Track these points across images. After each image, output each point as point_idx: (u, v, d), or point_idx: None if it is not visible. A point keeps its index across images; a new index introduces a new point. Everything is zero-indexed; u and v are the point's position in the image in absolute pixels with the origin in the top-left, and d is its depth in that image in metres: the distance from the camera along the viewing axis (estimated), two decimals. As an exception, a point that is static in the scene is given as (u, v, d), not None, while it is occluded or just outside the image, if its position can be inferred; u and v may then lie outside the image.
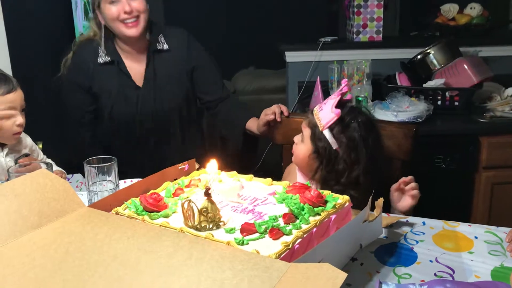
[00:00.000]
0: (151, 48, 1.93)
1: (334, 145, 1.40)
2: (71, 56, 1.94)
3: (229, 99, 2.09)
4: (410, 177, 1.39)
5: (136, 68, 1.93)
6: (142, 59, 1.94)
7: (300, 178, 1.54)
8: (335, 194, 1.16)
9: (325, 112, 1.41)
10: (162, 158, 1.95)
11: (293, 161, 1.55)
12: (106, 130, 1.99)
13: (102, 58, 1.89)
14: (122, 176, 1.44)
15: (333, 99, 1.41)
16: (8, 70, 2.30)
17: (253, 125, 1.93)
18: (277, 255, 0.91)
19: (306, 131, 1.47)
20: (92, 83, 1.91)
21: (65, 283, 0.87)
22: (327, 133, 1.40)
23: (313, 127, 1.44)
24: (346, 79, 1.52)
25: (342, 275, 0.78)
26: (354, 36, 2.73)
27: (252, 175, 1.32)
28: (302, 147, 1.48)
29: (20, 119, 1.55)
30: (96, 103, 1.95)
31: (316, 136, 1.43)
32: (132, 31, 1.84)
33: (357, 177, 1.39)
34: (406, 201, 1.39)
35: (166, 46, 1.95)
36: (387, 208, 1.38)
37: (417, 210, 1.41)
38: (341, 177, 1.40)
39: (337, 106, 1.38)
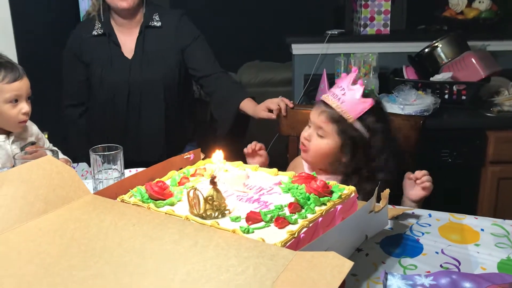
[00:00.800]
0: (144, 24, 2.01)
1: (366, 134, 1.41)
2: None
3: (225, 78, 2.10)
4: (424, 172, 1.39)
5: (127, 40, 2.02)
6: (134, 33, 2.02)
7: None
8: (341, 184, 1.16)
9: (351, 103, 1.39)
10: (144, 133, 2.05)
11: (307, 158, 1.50)
12: (96, 103, 2.07)
13: (97, 31, 2.01)
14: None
15: (354, 89, 1.41)
16: (14, 58, 2.31)
17: (248, 106, 1.95)
18: (282, 243, 0.91)
19: (329, 127, 1.42)
20: (85, 53, 2.02)
21: (71, 268, 0.87)
22: (357, 124, 1.40)
23: (337, 121, 1.41)
24: (357, 68, 1.51)
25: (349, 264, 0.78)
26: (361, 29, 2.72)
27: (257, 165, 1.32)
28: (323, 142, 1.43)
29: (26, 107, 1.55)
30: (88, 73, 2.04)
31: (346, 129, 1.41)
32: (123, 3, 1.92)
33: (387, 160, 1.41)
34: (416, 191, 1.38)
35: (158, 24, 2.03)
36: (395, 200, 1.38)
37: (424, 203, 1.41)
38: (371, 162, 1.41)
39: None
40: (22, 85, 1.54)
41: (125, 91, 2.00)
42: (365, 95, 1.41)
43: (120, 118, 2.04)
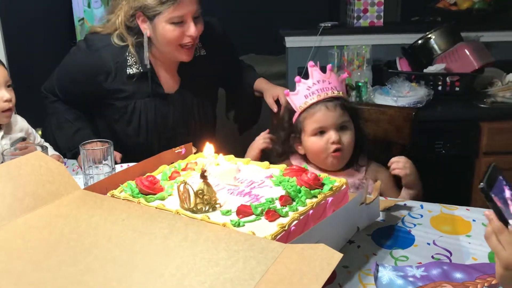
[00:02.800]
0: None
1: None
2: (89, 51, 1.72)
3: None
4: (394, 158, 1.40)
5: (167, 76, 1.77)
6: (175, 67, 1.77)
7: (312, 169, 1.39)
8: (332, 177, 1.15)
9: (338, 84, 1.43)
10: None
11: (344, 158, 1.43)
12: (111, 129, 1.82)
13: (132, 69, 1.69)
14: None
15: (331, 74, 1.44)
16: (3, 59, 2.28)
17: (261, 85, 1.90)
18: (273, 236, 0.91)
19: (346, 115, 1.41)
20: (113, 90, 1.71)
21: (60, 264, 0.86)
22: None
23: (345, 106, 1.42)
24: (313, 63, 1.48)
25: (338, 255, 0.77)
26: (355, 21, 2.70)
27: (249, 159, 1.32)
28: (351, 133, 1.42)
29: (6, 95, 1.50)
30: (100, 101, 1.77)
31: (351, 109, 1.44)
32: (188, 57, 1.67)
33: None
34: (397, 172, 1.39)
35: (203, 52, 1.80)
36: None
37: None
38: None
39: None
40: None
41: (162, 124, 1.77)
42: (356, 87, 1.46)
43: (149, 146, 1.77)
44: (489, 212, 0.78)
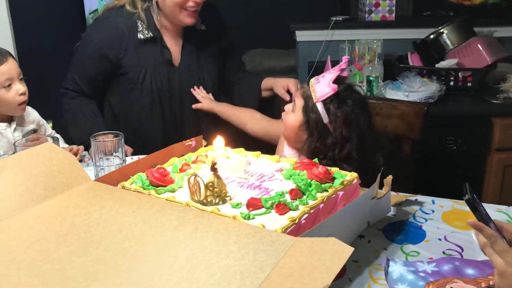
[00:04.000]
0: (191, 27, 1.82)
1: (325, 119, 1.37)
2: (100, 20, 1.84)
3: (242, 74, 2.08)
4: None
5: (173, 45, 1.85)
6: (179, 37, 1.86)
7: (287, 150, 1.50)
8: (343, 171, 1.15)
9: (322, 86, 1.38)
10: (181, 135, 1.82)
11: (283, 130, 1.51)
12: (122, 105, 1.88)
13: (143, 34, 1.77)
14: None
15: (332, 73, 1.39)
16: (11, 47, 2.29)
17: (267, 82, 1.95)
18: (283, 229, 0.90)
19: (299, 102, 1.43)
20: (125, 54, 1.78)
21: (70, 254, 0.87)
22: (319, 106, 1.37)
23: (307, 98, 1.41)
24: (348, 56, 1.48)
25: (349, 249, 0.77)
26: (366, 15, 2.68)
27: (259, 152, 1.31)
28: (292, 116, 1.44)
29: (21, 88, 1.53)
30: (114, 74, 1.82)
31: (309, 107, 1.40)
32: (191, 20, 1.74)
33: (349, 153, 1.35)
34: None
35: (203, 27, 1.88)
36: (396, 186, 1.36)
37: (428, 190, 1.39)
38: (330, 151, 1.36)
39: (334, 82, 1.36)
40: (10, 67, 1.51)
41: (168, 96, 1.85)
42: (337, 82, 1.37)
43: (158, 122, 1.86)
44: (474, 223, 0.81)
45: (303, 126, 1.40)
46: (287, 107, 1.48)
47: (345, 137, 1.35)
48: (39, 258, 0.86)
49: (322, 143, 1.37)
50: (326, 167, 1.12)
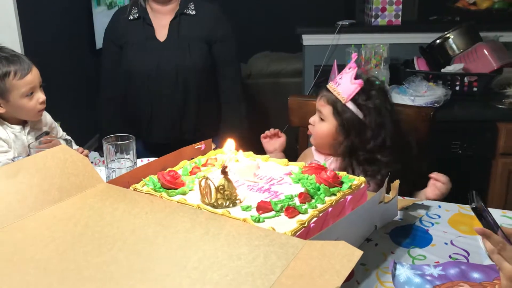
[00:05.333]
0: (179, 11, 2.04)
1: (360, 115, 1.45)
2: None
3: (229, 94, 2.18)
4: (441, 175, 1.39)
5: (161, 25, 2.05)
6: (168, 19, 2.05)
7: (319, 157, 1.56)
8: (351, 175, 1.17)
9: (345, 85, 1.45)
10: (174, 119, 2.08)
11: (313, 142, 1.58)
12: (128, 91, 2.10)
13: (132, 15, 2.06)
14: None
15: (349, 73, 1.46)
16: (18, 48, 2.31)
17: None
18: (292, 232, 0.92)
19: (326, 109, 1.49)
20: (120, 37, 2.07)
21: (86, 255, 0.89)
22: (351, 105, 1.45)
23: (333, 103, 1.47)
24: (356, 54, 1.55)
25: (358, 253, 0.79)
26: (373, 19, 2.70)
27: (268, 156, 1.33)
28: (323, 125, 1.50)
29: (42, 97, 1.56)
30: (125, 58, 2.07)
31: (339, 110, 1.46)
32: None
33: (384, 141, 1.43)
34: (431, 191, 1.38)
35: (193, 12, 2.05)
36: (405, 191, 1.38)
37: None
38: (368, 143, 1.44)
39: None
40: (34, 76, 1.54)
41: (155, 74, 2.03)
42: (358, 77, 1.46)
43: (148, 101, 2.07)
44: (482, 229, 0.83)
45: (339, 129, 1.47)
46: (313, 120, 1.54)
47: (380, 125, 1.44)
48: (55, 257, 0.88)
49: (361, 139, 1.44)
50: (335, 172, 1.13)
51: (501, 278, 0.82)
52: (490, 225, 0.84)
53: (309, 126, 1.57)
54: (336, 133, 1.48)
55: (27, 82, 1.52)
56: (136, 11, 2.06)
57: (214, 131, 2.15)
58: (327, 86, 1.52)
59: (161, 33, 2.05)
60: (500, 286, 0.89)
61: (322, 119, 1.51)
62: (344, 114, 1.45)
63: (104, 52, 2.17)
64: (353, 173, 1.40)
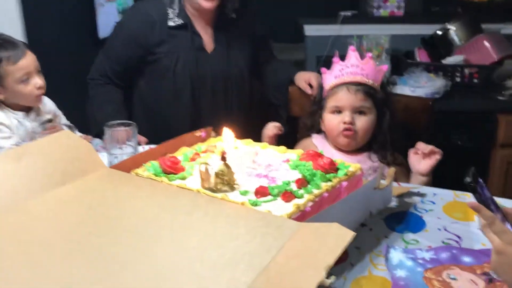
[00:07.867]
0: (219, 15, 1.87)
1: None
2: (133, 8, 1.99)
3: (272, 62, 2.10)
4: (425, 145, 1.42)
5: (203, 32, 1.88)
6: (209, 24, 1.88)
7: (347, 159, 1.41)
8: (347, 162, 1.19)
9: (373, 73, 1.49)
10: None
11: (357, 140, 1.48)
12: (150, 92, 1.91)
13: (173, 21, 1.82)
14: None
15: (369, 62, 1.50)
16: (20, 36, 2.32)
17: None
18: (289, 215, 0.95)
19: (368, 102, 1.46)
20: (155, 40, 1.82)
21: (89, 235, 0.92)
22: (380, 90, 1.50)
23: (371, 94, 1.47)
24: (354, 47, 1.56)
25: (350, 233, 0.82)
26: (375, 10, 2.72)
27: (266, 143, 1.36)
28: (368, 119, 1.47)
29: (39, 82, 1.57)
30: (145, 61, 1.86)
31: (378, 98, 1.48)
32: (207, 4, 1.76)
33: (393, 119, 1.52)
34: (425, 163, 1.40)
35: (234, 15, 1.91)
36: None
37: (432, 185, 1.43)
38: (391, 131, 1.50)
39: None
40: (28, 61, 1.54)
41: (200, 83, 1.86)
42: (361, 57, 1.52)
43: (188, 109, 1.86)
44: (472, 204, 0.85)
45: (379, 120, 1.49)
46: (349, 119, 1.46)
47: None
48: (60, 238, 0.91)
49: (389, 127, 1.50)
50: (331, 159, 1.16)
51: (492, 253, 0.84)
52: (484, 200, 0.85)
53: (348, 126, 1.46)
54: (375, 125, 1.49)
55: (21, 67, 1.52)
56: (175, 14, 1.82)
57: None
58: (351, 80, 1.47)
59: (206, 42, 1.87)
60: (489, 268, 0.92)
61: (363, 113, 1.47)
62: (382, 101, 1.49)
63: (119, 47, 1.88)
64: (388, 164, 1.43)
